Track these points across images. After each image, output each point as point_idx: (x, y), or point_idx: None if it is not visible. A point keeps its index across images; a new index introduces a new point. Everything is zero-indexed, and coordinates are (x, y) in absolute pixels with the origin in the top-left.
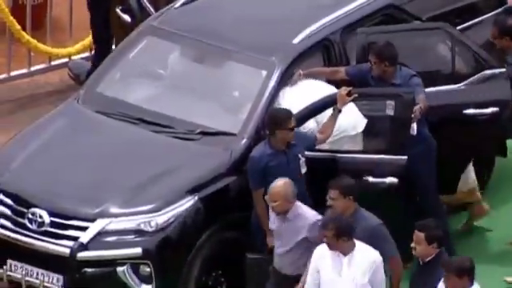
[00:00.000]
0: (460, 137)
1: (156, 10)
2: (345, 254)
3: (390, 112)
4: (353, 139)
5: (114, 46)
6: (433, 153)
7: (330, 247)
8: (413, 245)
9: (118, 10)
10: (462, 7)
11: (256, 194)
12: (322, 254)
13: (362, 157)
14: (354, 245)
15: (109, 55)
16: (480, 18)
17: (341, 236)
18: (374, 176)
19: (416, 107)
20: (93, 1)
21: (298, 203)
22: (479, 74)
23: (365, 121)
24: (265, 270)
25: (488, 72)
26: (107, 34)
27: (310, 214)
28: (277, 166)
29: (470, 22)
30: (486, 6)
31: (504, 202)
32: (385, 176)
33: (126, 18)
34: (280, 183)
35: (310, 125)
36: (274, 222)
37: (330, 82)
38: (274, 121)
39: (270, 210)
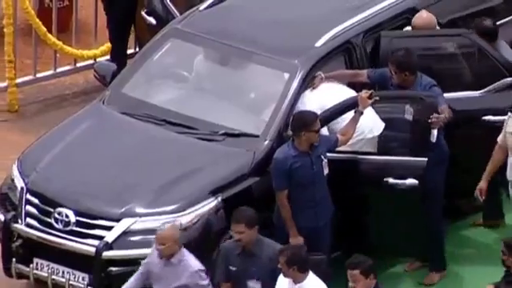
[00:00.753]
0: (478, 143)
1: (180, 12)
2: (295, 283)
3: (409, 117)
4: (370, 142)
5: (137, 48)
6: (445, 160)
7: (283, 274)
8: (351, 284)
9: (143, 13)
10: (481, 11)
11: (280, 195)
12: (281, 279)
13: (383, 158)
14: (306, 276)
15: (135, 57)
16: (500, 22)
17: (291, 265)
18: (395, 177)
19: (441, 116)
20: (108, 3)
21: (184, 250)
22: (499, 82)
23: (382, 124)
24: None
25: (509, 80)
26: (122, 36)
27: (193, 263)
28: (301, 167)
29: None
30: (505, 9)
31: None
32: (405, 177)
33: (151, 20)
34: (168, 227)
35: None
36: (156, 265)
37: (351, 84)
38: (301, 123)
39: (154, 254)
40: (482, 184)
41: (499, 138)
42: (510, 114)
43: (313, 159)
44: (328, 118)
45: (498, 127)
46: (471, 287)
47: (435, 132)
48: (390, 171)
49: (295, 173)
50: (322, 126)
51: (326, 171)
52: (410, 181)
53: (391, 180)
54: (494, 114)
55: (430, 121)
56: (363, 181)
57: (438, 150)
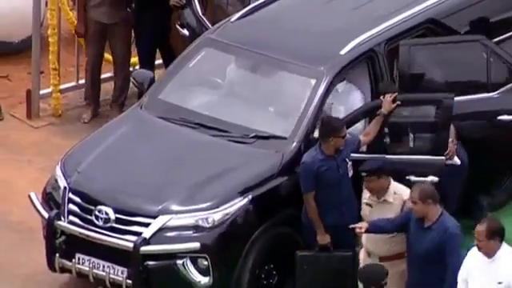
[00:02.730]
0: (494, 142)
1: (212, 24)
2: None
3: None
4: None
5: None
6: (460, 172)
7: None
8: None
9: (177, 26)
10: (496, 22)
11: (307, 197)
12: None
13: (405, 157)
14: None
15: (170, 65)
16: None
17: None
18: (416, 175)
19: (450, 145)
20: (137, 33)
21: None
22: None
23: None
24: (315, 267)
25: None
26: (149, 60)
27: None
28: (328, 170)
29: (504, 36)
30: None
31: None
32: (426, 175)
33: (184, 32)
34: None
35: None
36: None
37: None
38: (330, 128)
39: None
40: None
41: None
42: None
43: (338, 162)
44: (352, 120)
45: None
46: None
47: (455, 158)
48: (412, 170)
49: (322, 176)
50: (347, 129)
51: (350, 173)
52: (431, 178)
53: (413, 178)
54: (509, 114)
55: (445, 157)
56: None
57: (457, 157)
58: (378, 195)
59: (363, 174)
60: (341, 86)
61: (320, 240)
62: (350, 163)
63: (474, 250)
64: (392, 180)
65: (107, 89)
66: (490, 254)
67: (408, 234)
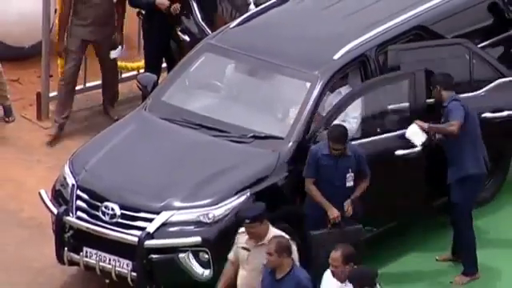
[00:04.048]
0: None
1: (211, 31)
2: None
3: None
4: None
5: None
6: (466, 179)
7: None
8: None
9: (178, 31)
10: (479, 29)
11: (307, 182)
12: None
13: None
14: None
15: (172, 69)
16: (495, 38)
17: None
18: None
19: (440, 126)
20: (145, 40)
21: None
22: (495, 83)
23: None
24: (330, 243)
25: (502, 80)
26: (155, 66)
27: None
28: (325, 166)
29: (487, 42)
30: (500, 27)
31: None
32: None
33: (185, 37)
34: None
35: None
36: None
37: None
38: (330, 135)
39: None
40: None
41: None
42: None
43: (338, 165)
44: (331, 118)
45: (495, 123)
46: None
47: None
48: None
49: (320, 168)
50: (328, 124)
51: (349, 183)
52: (417, 149)
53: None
54: (493, 112)
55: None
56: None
57: (457, 168)
58: (257, 240)
59: (246, 220)
60: (344, 90)
61: (331, 214)
62: (351, 174)
63: (328, 273)
64: (270, 225)
65: (97, 97)
66: (342, 278)
67: (262, 286)
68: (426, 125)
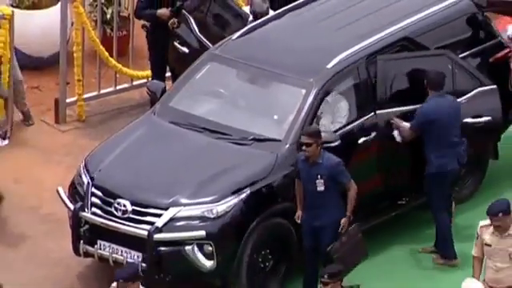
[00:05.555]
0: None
1: (212, 43)
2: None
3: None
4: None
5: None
6: (438, 176)
7: None
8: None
9: (175, 44)
10: (460, 40)
11: (296, 182)
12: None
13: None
14: None
15: (179, 77)
16: (475, 49)
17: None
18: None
19: (400, 123)
20: (151, 44)
21: None
22: (475, 91)
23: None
24: (345, 252)
25: (482, 89)
26: (160, 74)
27: None
28: (301, 170)
29: (467, 52)
30: (479, 39)
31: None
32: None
33: (184, 49)
34: None
35: (324, 122)
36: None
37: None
38: (316, 132)
39: None
40: None
41: None
42: None
43: (310, 170)
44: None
45: (475, 128)
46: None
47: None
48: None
49: (299, 172)
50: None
51: (320, 188)
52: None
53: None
54: (473, 117)
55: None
56: None
57: (427, 163)
58: None
59: (120, 280)
60: (330, 98)
61: (296, 215)
62: (320, 181)
63: None
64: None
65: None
66: None
67: None
68: (395, 120)
